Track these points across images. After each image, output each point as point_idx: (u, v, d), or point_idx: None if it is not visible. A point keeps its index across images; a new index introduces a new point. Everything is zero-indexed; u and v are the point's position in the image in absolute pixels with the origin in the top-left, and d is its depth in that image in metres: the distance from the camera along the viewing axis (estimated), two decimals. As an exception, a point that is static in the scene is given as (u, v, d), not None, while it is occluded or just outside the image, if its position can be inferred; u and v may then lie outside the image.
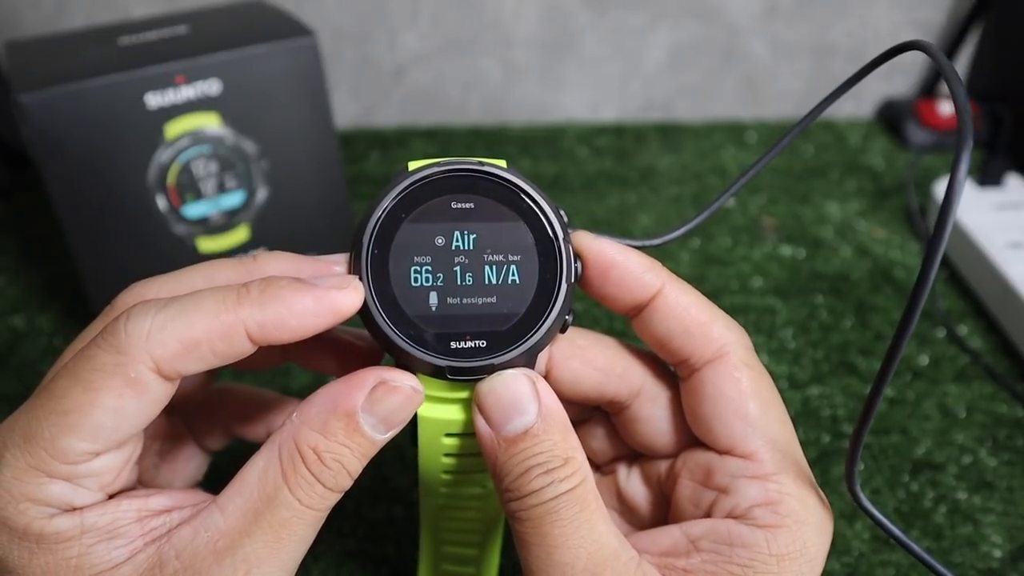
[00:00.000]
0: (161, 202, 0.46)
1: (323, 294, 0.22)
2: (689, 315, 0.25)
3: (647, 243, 0.27)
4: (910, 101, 0.70)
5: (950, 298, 0.51)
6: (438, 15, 0.71)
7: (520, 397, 0.23)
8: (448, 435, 0.25)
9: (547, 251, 0.24)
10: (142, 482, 0.26)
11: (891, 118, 0.70)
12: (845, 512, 0.38)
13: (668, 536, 0.25)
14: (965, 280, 0.52)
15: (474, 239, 0.23)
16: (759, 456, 0.24)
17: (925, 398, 0.44)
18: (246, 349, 0.22)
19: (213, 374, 0.29)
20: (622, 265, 0.25)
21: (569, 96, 0.75)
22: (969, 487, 0.39)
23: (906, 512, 0.38)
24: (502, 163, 0.24)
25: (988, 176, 0.56)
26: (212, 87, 0.45)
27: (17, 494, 0.21)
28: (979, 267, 0.50)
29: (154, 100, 0.43)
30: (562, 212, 0.24)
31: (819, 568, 0.24)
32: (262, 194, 0.48)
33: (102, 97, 0.42)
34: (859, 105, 0.74)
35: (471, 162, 0.24)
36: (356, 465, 0.23)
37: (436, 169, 0.23)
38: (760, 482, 0.24)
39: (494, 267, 0.23)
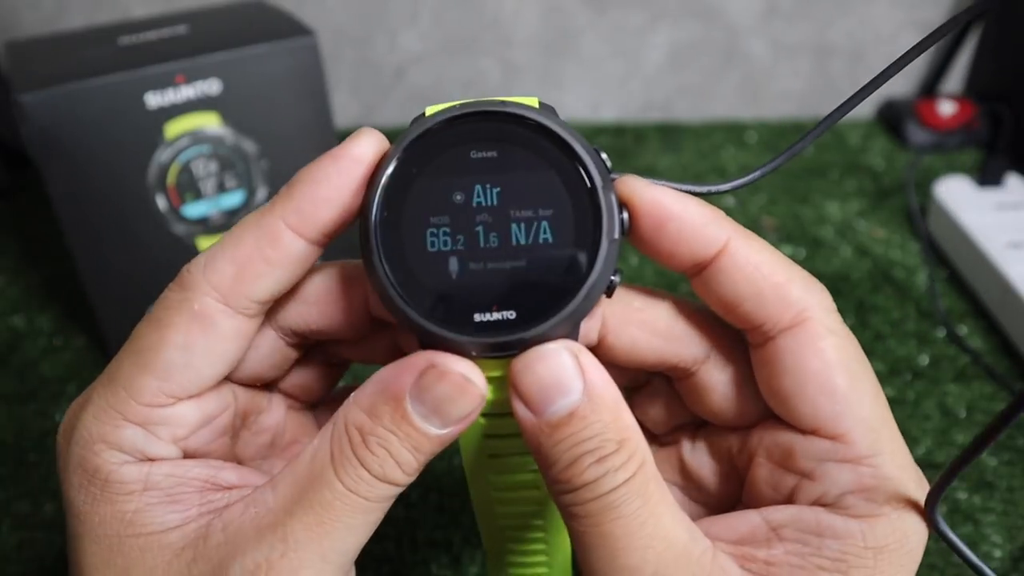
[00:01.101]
0: (161, 202, 0.46)
1: (339, 151, 0.21)
2: (761, 275, 0.21)
3: (713, 189, 0.23)
4: (910, 101, 0.70)
5: (950, 298, 0.51)
6: (438, 15, 0.71)
7: (561, 374, 0.20)
8: (485, 415, 0.23)
9: (584, 203, 0.20)
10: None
11: (891, 118, 0.70)
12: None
13: (746, 522, 0.22)
14: (965, 280, 0.52)
15: (498, 193, 0.20)
16: (850, 437, 0.21)
17: (925, 398, 0.44)
18: (298, 249, 0.21)
19: (338, 373, 0.28)
20: (679, 217, 0.21)
21: (569, 96, 0.75)
22: (969, 487, 0.39)
23: (906, 512, 0.38)
24: (533, 101, 0.21)
25: (988, 176, 0.56)
26: (212, 87, 0.45)
27: (95, 434, 0.21)
28: (979, 267, 0.50)
29: (154, 100, 0.43)
30: (604, 156, 0.21)
31: (918, 561, 0.21)
32: (262, 194, 0.48)
33: (102, 97, 0.42)
34: (859, 105, 0.74)
35: (492, 103, 0.20)
36: (407, 457, 0.20)
37: (450, 115, 0.21)
38: (852, 466, 0.21)
39: (522, 225, 0.20)
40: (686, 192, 0.22)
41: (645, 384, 0.27)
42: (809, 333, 0.22)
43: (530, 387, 0.20)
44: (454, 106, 0.21)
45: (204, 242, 0.48)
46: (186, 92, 0.44)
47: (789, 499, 0.22)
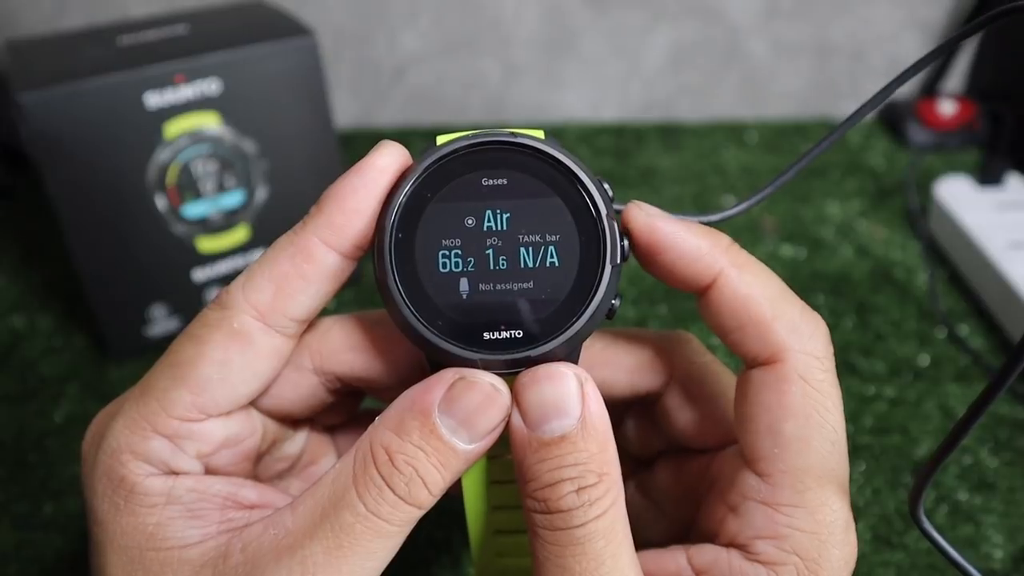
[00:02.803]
0: (160, 202, 0.45)
1: (362, 164, 0.22)
2: (746, 310, 0.22)
3: (706, 219, 0.24)
4: (911, 101, 0.70)
5: (950, 298, 0.51)
6: (438, 15, 0.71)
7: (564, 397, 0.21)
8: (489, 457, 0.24)
9: (588, 229, 0.22)
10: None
11: (892, 118, 0.70)
12: (846, 512, 0.38)
13: (673, 561, 0.23)
14: (965, 280, 0.52)
15: (508, 218, 0.21)
16: (776, 480, 0.22)
17: (926, 398, 0.44)
18: (332, 263, 0.22)
19: (358, 399, 0.28)
20: (673, 249, 0.22)
21: (569, 96, 0.75)
22: (970, 488, 0.39)
23: (907, 512, 0.38)
24: (539, 133, 0.22)
25: (988, 176, 0.56)
26: (212, 87, 0.45)
27: (124, 444, 0.22)
28: (979, 267, 0.50)
29: (153, 100, 0.43)
30: (606, 185, 0.22)
31: None
32: (262, 194, 0.48)
33: (101, 97, 0.42)
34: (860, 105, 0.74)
35: (503, 133, 0.22)
36: (433, 475, 0.21)
37: (464, 143, 0.22)
38: (769, 510, 0.22)
39: (530, 249, 0.21)
40: (687, 220, 0.23)
41: (627, 413, 0.28)
42: (778, 374, 0.22)
43: (531, 401, 0.21)
44: (466, 135, 0.22)
45: (204, 242, 0.48)
46: (186, 92, 0.44)
47: (716, 532, 0.23)
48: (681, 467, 0.27)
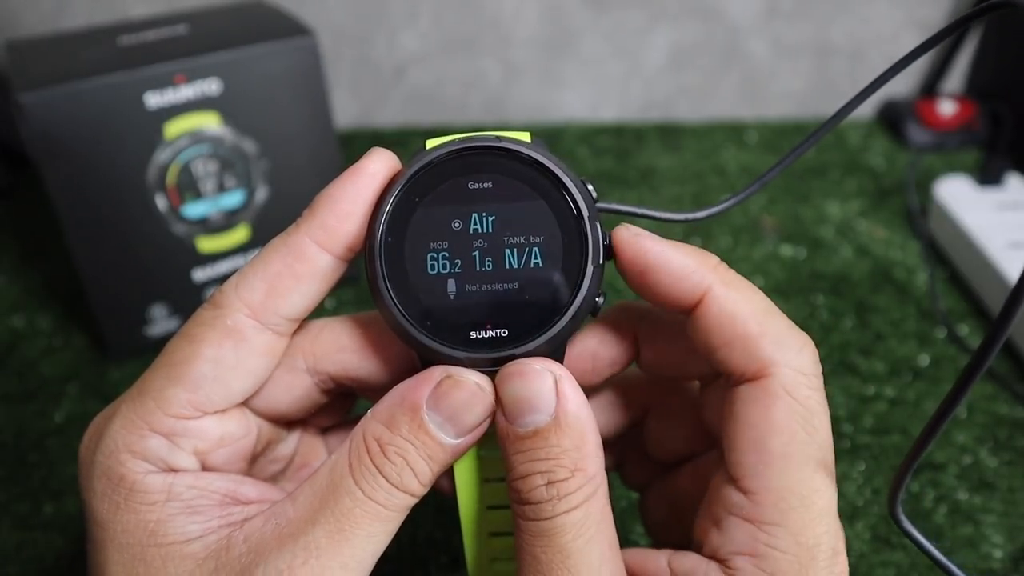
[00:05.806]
0: (161, 202, 0.46)
1: (355, 169, 0.23)
2: (733, 326, 0.22)
3: (689, 217, 0.25)
4: (910, 101, 0.70)
5: (950, 298, 0.51)
6: (438, 15, 0.71)
7: (537, 394, 0.21)
8: (481, 455, 0.24)
9: (571, 230, 0.22)
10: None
11: (892, 118, 0.70)
12: (845, 512, 0.38)
13: (655, 562, 0.24)
14: (965, 280, 0.52)
15: (493, 221, 0.22)
16: (760, 499, 0.22)
17: (926, 398, 0.44)
18: (325, 263, 0.23)
19: (350, 401, 0.29)
20: (661, 269, 0.22)
21: (569, 96, 0.75)
22: (970, 487, 0.39)
23: (906, 512, 0.38)
24: (525, 136, 0.23)
25: (988, 176, 0.56)
26: (212, 87, 0.45)
27: (121, 444, 0.22)
28: (979, 267, 0.50)
29: (154, 100, 0.43)
30: (590, 187, 0.23)
31: None
32: (262, 194, 0.48)
33: (102, 97, 0.42)
34: (860, 105, 0.74)
35: (488, 138, 0.22)
36: (422, 466, 0.22)
37: (450, 148, 0.22)
38: (752, 528, 0.22)
39: (515, 250, 0.22)
40: (666, 218, 0.24)
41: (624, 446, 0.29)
42: (764, 390, 0.22)
43: (507, 396, 0.22)
44: (453, 140, 0.23)
45: (204, 242, 0.48)
46: (186, 92, 0.44)
47: (701, 543, 0.23)
48: (667, 492, 0.28)
